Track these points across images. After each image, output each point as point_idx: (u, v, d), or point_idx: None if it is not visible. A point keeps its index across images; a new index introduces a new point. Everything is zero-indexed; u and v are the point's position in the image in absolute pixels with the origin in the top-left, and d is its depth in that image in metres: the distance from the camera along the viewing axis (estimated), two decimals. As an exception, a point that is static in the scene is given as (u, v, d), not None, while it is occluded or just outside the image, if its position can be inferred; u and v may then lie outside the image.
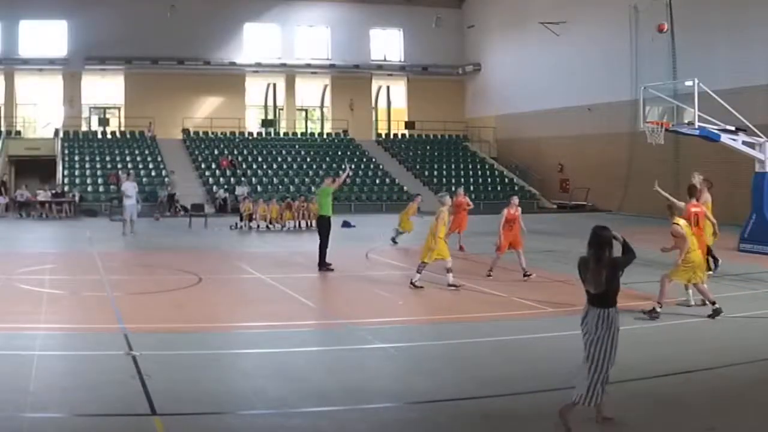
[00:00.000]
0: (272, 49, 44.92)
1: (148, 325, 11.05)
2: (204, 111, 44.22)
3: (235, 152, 40.52)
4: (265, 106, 45.49)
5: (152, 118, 41.31)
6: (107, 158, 38.22)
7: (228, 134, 42.81)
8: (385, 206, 36.49)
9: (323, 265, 16.50)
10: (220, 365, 9.05)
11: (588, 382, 6.63)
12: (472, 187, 39.45)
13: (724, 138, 21.77)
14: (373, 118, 47.46)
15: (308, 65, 45.60)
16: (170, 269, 16.88)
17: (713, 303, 11.61)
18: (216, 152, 40.21)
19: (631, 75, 33.22)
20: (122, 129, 42.60)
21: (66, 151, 38.31)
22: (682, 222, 11.98)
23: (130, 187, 25.34)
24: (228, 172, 38.27)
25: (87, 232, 25.26)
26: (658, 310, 11.58)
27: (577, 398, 6.66)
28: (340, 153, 42.42)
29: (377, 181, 39.29)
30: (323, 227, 16.86)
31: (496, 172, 41.99)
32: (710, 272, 14.65)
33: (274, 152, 41.22)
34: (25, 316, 11.35)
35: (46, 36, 41.46)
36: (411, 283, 14.00)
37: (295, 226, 27.40)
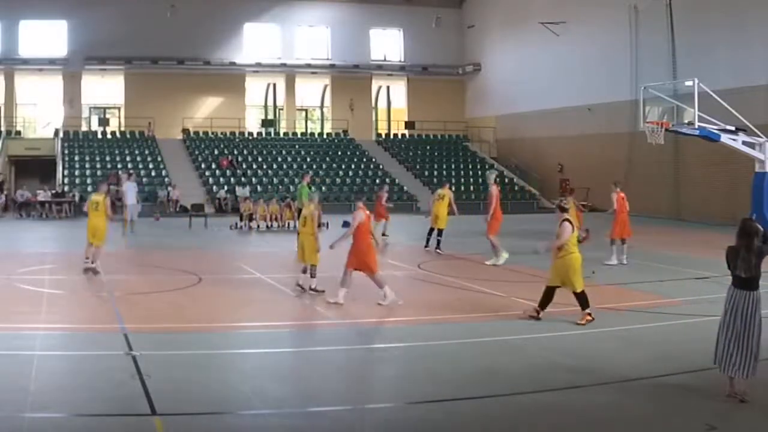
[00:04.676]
0: (272, 49, 44.92)
1: (148, 325, 11.04)
2: (204, 111, 44.23)
3: (235, 152, 40.52)
4: (265, 106, 45.49)
5: (152, 118, 41.30)
6: (107, 158, 38.23)
7: (228, 134, 42.81)
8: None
9: None
10: (220, 365, 9.05)
11: (742, 357, 7.45)
12: (472, 187, 39.50)
13: (724, 138, 21.83)
14: (373, 118, 47.46)
15: (308, 65, 45.60)
16: (170, 269, 16.88)
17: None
18: (216, 152, 40.21)
19: (631, 75, 33.22)
20: (122, 129, 42.60)
21: (66, 151, 38.32)
22: None
23: (130, 188, 25.36)
24: (228, 172, 38.28)
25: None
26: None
27: (739, 374, 7.46)
28: (340, 153, 42.44)
29: (377, 181, 39.26)
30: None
31: (496, 172, 41.96)
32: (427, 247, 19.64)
33: (274, 152, 41.23)
34: (25, 316, 11.35)
35: (46, 36, 41.43)
36: (311, 288, 13.50)
37: (295, 226, 27.35)
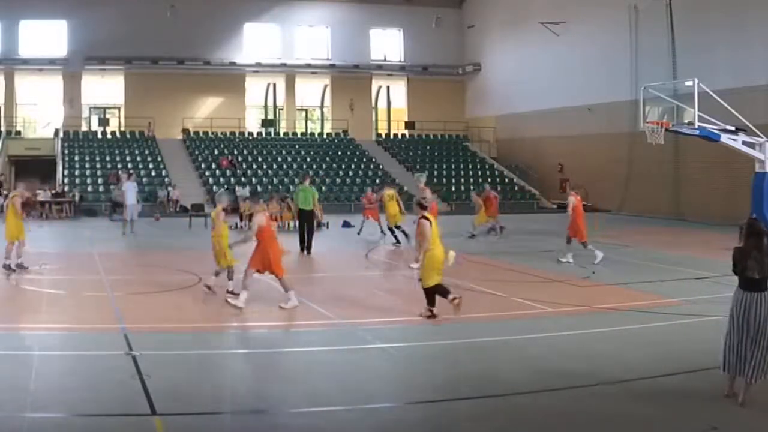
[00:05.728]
0: (272, 49, 44.91)
1: (148, 325, 11.04)
2: (204, 111, 44.22)
3: (235, 152, 40.52)
4: (265, 106, 45.49)
5: (152, 118, 41.30)
6: (107, 158, 38.23)
7: (228, 134, 42.81)
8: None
9: (309, 249, 19.41)
10: (220, 365, 9.05)
11: (756, 359, 7.34)
12: (472, 187, 39.45)
13: (724, 138, 21.78)
14: (373, 118, 47.46)
15: (308, 65, 45.60)
16: (170, 269, 16.87)
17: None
18: (216, 152, 40.21)
19: (631, 75, 33.21)
20: (122, 129, 42.61)
21: (66, 151, 38.33)
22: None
23: (130, 188, 25.35)
24: (228, 172, 38.29)
25: (87, 232, 25.24)
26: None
27: (750, 378, 7.36)
28: (340, 153, 42.44)
29: (377, 181, 39.20)
30: (309, 219, 20.10)
31: (496, 172, 41.98)
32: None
33: (274, 152, 41.23)
34: (25, 316, 11.35)
35: (46, 36, 41.41)
36: (227, 291, 13.16)
37: (294, 226, 27.33)
